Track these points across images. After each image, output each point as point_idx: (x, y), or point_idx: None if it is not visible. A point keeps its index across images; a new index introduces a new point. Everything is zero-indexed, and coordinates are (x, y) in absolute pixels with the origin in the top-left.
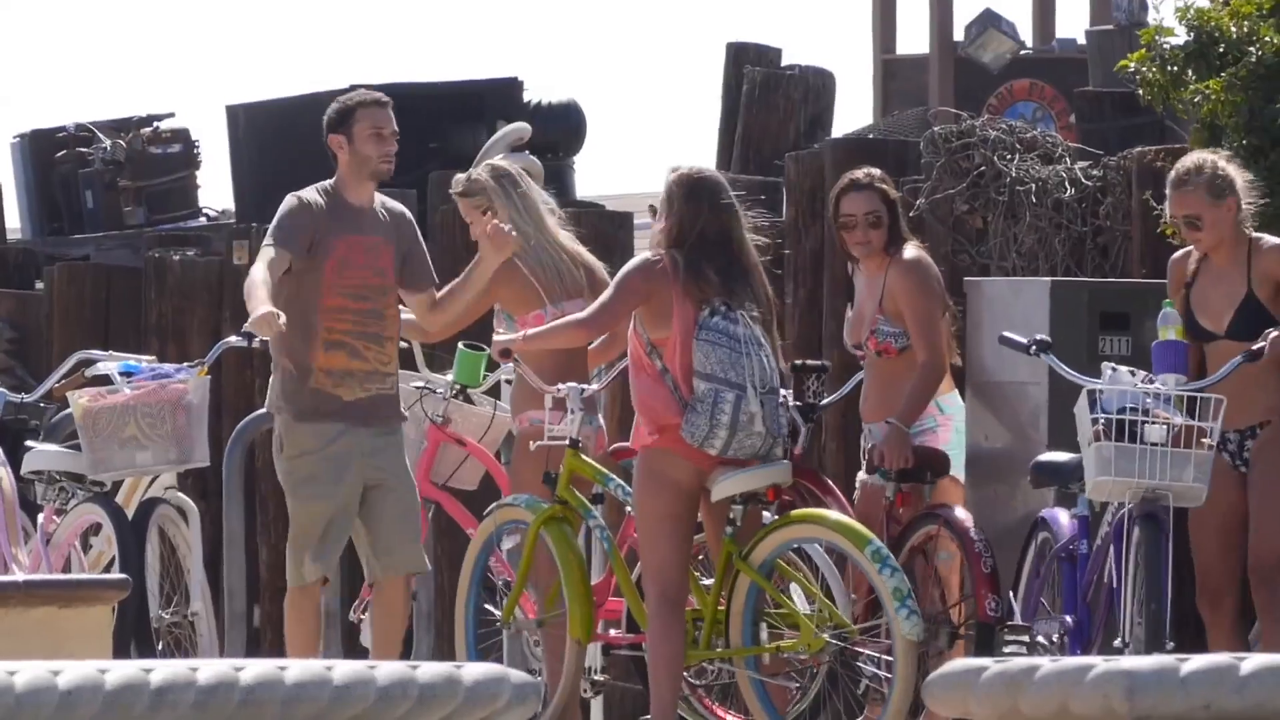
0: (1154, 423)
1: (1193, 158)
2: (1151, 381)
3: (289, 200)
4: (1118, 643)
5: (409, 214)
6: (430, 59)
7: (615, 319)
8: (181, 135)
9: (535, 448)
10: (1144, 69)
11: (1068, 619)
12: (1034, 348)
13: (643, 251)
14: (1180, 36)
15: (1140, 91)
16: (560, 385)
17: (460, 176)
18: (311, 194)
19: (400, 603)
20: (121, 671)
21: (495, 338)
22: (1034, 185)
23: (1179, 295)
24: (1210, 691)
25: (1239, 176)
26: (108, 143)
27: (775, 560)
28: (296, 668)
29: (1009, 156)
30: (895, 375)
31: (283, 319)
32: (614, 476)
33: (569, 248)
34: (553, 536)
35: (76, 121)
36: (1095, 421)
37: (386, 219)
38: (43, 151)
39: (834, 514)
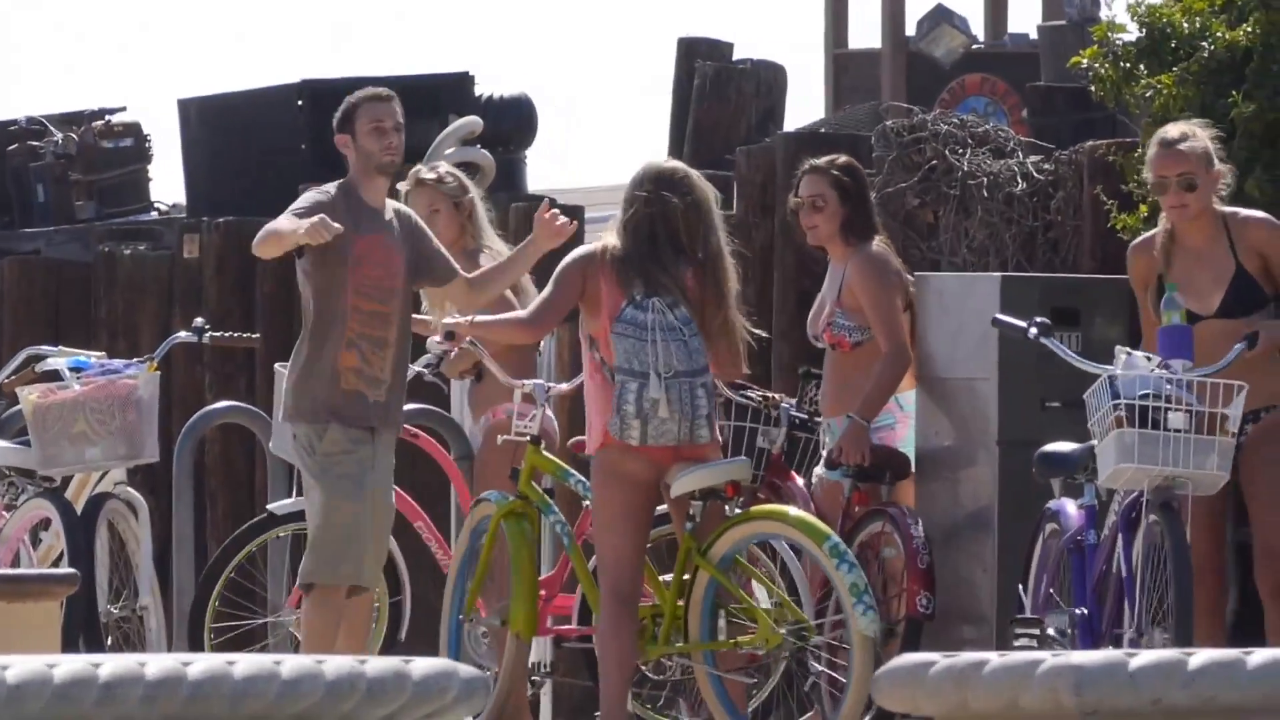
0: (1176, 409)
1: (1180, 124)
2: (1167, 367)
3: (310, 193)
4: (1131, 633)
5: (414, 214)
6: (382, 53)
7: (559, 314)
8: (133, 129)
9: (503, 442)
10: (1096, 65)
11: (1078, 611)
12: (1033, 330)
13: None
14: (1132, 32)
15: (1093, 87)
16: (526, 381)
17: (424, 167)
18: (331, 189)
19: (365, 618)
20: (70, 666)
21: (444, 319)
22: (985, 180)
23: (1151, 283)
24: (1159, 686)
25: (1218, 151)
26: (59, 136)
27: (735, 556)
28: (244, 663)
29: (960, 151)
30: (851, 369)
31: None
32: (573, 471)
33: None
34: (509, 531)
35: (27, 114)
36: (1116, 408)
37: (396, 220)
38: None
39: (793, 510)
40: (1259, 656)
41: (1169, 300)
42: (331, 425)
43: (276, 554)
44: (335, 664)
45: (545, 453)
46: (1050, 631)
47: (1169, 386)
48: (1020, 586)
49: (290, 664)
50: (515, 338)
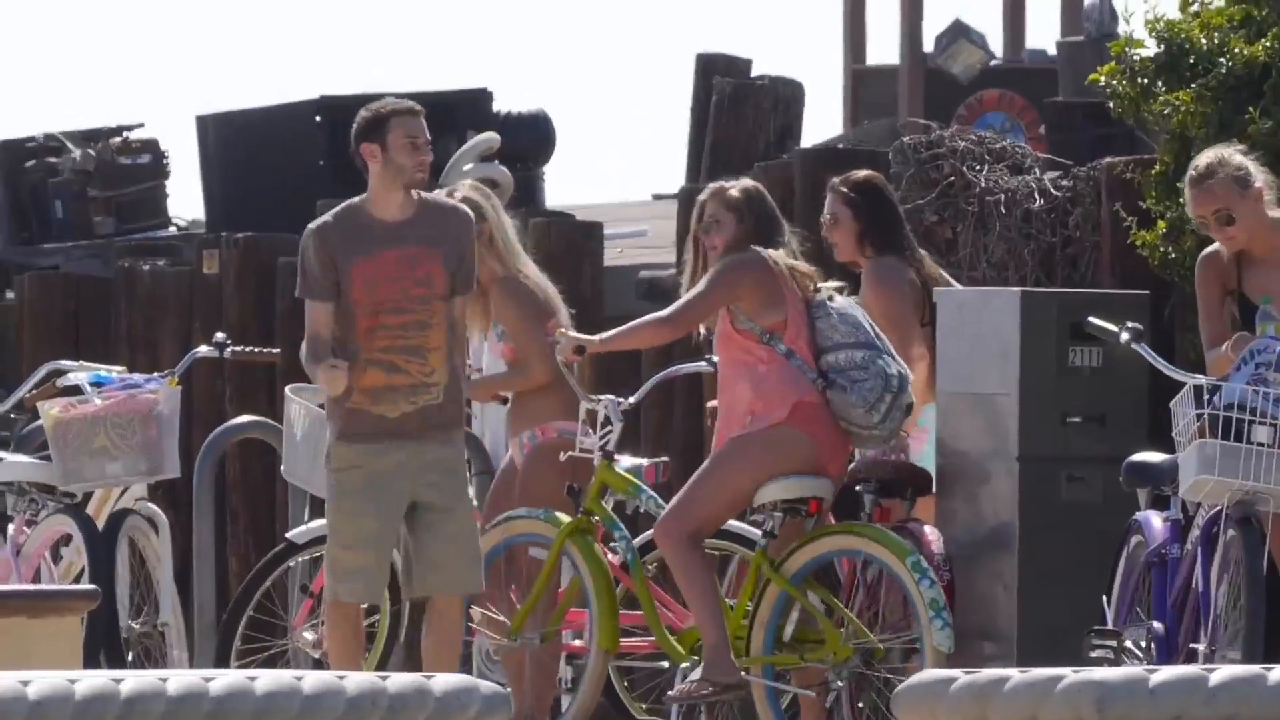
0: (1261, 423)
1: (1207, 155)
2: (1263, 380)
3: (305, 240)
4: (1204, 648)
5: (464, 210)
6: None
7: (703, 316)
8: (151, 145)
9: (566, 458)
10: (1114, 81)
11: (1155, 625)
12: (1125, 335)
13: (737, 254)
14: (1150, 48)
15: (1110, 103)
16: (601, 396)
17: (440, 193)
18: (327, 224)
19: (452, 624)
20: (91, 682)
21: (566, 334)
22: (1003, 196)
23: (1226, 294)
24: (1179, 702)
25: (1254, 165)
26: (77, 152)
27: (808, 573)
28: (266, 678)
29: (978, 167)
30: None
31: (343, 366)
32: (645, 487)
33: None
34: (582, 551)
35: (46, 131)
36: (1200, 418)
37: (432, 222)
38: (12, 161)
39: (873, 526)
40: (1278, 673)
41: (1264, 313)
42: (339, 443)
43: (294, 579)
44: (357, 680)
45: (618, 469)
46: (1128, 644)
47: (1256, 399)
48: (1104, 598)
49: (312, 680)
50: (654, 340)
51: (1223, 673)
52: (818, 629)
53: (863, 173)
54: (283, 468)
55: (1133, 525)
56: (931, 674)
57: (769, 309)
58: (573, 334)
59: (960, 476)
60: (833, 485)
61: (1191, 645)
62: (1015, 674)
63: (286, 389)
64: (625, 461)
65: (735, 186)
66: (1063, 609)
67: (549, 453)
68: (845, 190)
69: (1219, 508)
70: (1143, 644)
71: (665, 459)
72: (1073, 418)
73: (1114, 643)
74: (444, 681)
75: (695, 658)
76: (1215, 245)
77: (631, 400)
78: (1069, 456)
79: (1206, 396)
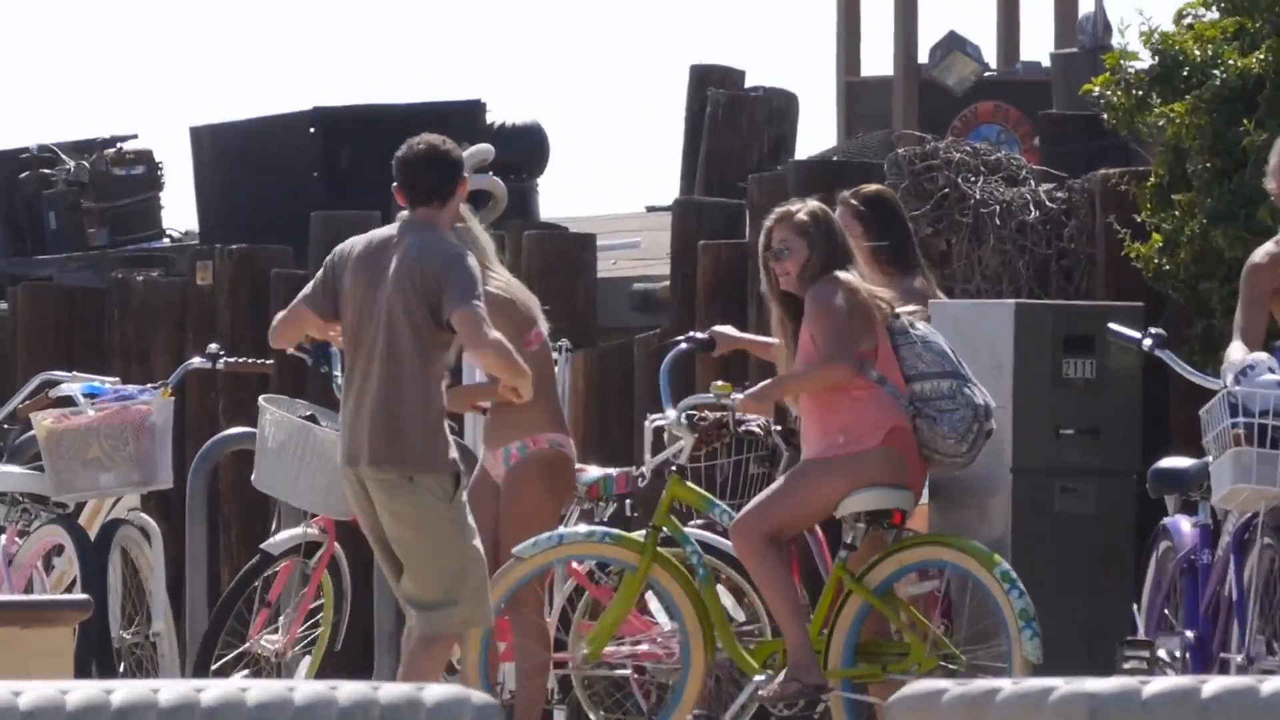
0: None
1: None
2: None
3: (472, 259)
4: (1240, 658)
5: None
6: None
7: (857, 343)
8: (145, 156)
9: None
10: (1108, 93)
11: (1189, 634)
12: (1148, 341)
13: (824, 281)
14: (1144, 60)
15: (1105, 115)
16: (668, 413)
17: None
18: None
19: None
20: (83, 692)
21: (736, 396)
22: (998, 207)
23: (1273, 293)
24: (1172, 715)
25: None
26: (71, 164)
27: (891, 584)
28: (258, 689)
29: (973, 179)
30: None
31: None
32: (718, 501)
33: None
34: (677, 577)
35: (39, 142)
36: (1235, 425)
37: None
38: (6, 172)
39: (960, 536)
40: (1272, 684)
41: None
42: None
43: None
44: (349, 690)
45: (689, 484)
46: (1161, 654)
47: None
48: (1134, 607)
49: (303, 690)
50: (837, 382)
51: (1215, 684)
52: (896, 640)
53: (874, 186)
54: (254, 476)
55: (1161, 531)
56: (924, 685)
57: (862, 336)
58: (749, 394)
59: (955, 488)
60: (915, 500)
61: (1223, 655)
62: (1007, 685)
63: (260, 399)
64: (593, 471)
65: (803, 209)
66: (1056, 620)
67: (540, 464)
68: (856, 204)
69: (1249, 515)
70: (1176, 653)
71: (636, 469)
72: (1066, 430)
73: (1146, 653)
74: (436, 692)
75: (769, 670)
76: (1262, 250)
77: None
78: (1062, 468)
79: (1240, 404)
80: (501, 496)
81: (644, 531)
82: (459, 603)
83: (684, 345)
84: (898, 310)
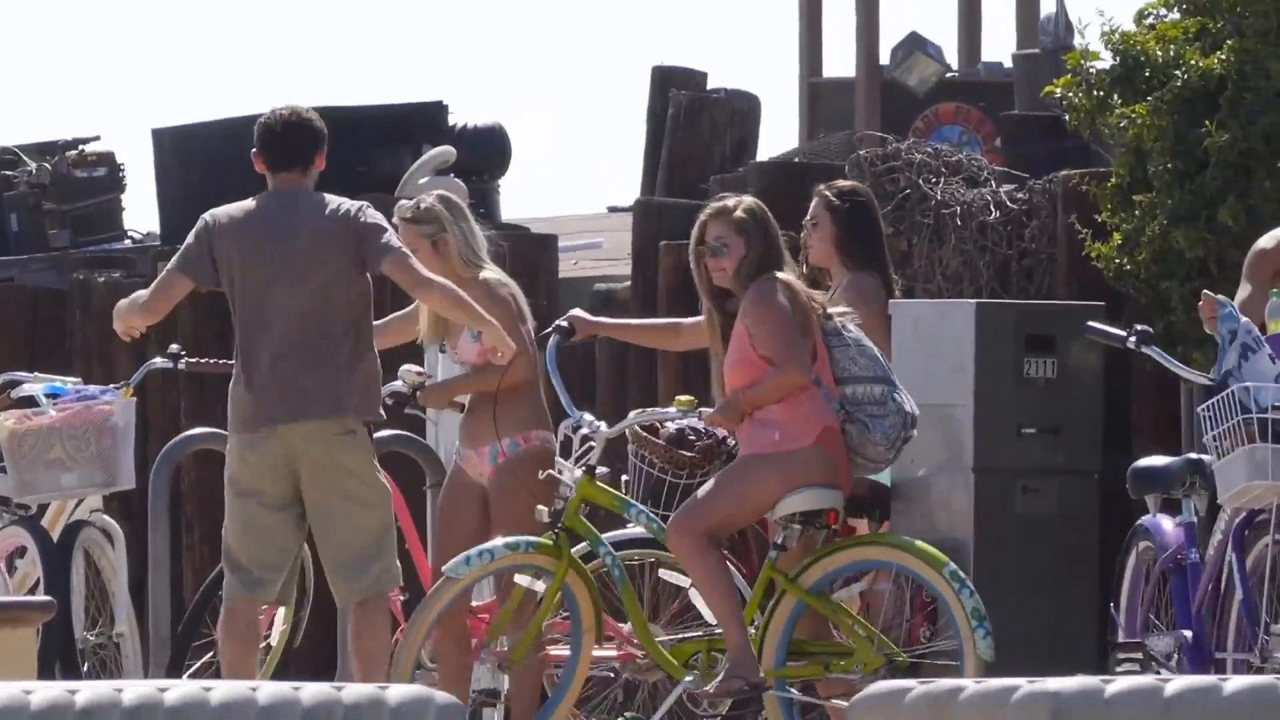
0: None
1: None
2: None
3: (374, 209)
4: (1254, 658)
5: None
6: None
7: (805, 349)
8: (106, 158)
9: (546, 476)
10: (1070, 93)
11: (1184, 634)
12: (1133, 339)
13: (764, 281)
14: (1106, 61)
15: (1066, 116)
16: (581, 414)
17: (407, 203)
18: None
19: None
20: (47, 693)
21: (715, 410)
22: (959, 208)
23: (1273, 280)
24: (1135, 714)
25: None
26: (32, 165)
27: (826, 585)
28: (221, 689)
29: (934, 180)
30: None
31: None
32: (634, 502)
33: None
34: (585, 583)
35: (1, 144)
36: (1248, 423)
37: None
38: None
39: (902, 538)
40: (1235, 683)
41: (1272, 307)
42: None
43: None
44: (312, 690)
45: (602, 485)
46: (1155, 655)
47: None
48: (1111, 606)
49: (267, 690)
50: (791, 390)
51: (1178, 683)
52: (834, 640)
53: (850, 182)
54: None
55: (1139, 531)
56: (887, 684)
57: (802, 337)
58: (717, 410)
59: (916, 488)
60: (844, 500)
61: (1221, 654)
62: (970, 684)
63: None
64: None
65: (740, 205)
66: (1018, 620)
67: (534, 461)
68: (829, 195)
69: (1247, 511)
70: (1171, 653)
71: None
72: (1028, 429)
73: (1139, 654)
74: (399, 692)
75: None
76: (1275, 233)
77: (612, 432)
78: (1024, 468)
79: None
80: (493, 495)
81: (552, 535)
82: (384, 554)
83: (553, 336)
84: (829, 311)
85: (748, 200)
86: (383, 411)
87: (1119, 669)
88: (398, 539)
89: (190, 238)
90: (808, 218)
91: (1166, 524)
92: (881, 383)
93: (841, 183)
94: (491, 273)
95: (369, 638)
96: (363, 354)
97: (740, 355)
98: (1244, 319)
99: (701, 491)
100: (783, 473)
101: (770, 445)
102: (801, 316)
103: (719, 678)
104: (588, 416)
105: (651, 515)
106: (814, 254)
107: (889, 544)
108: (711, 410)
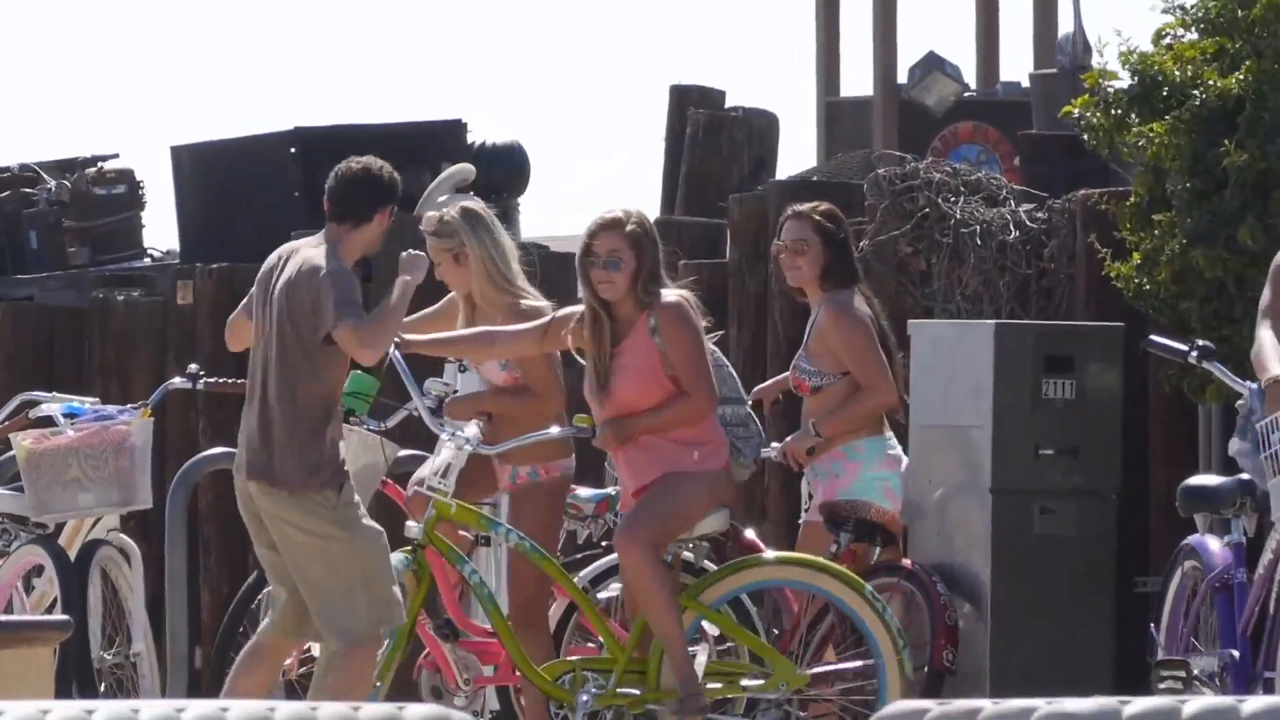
0: None
1: None
2: None
3: (349, 273)
4: None
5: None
6: (374, 101)
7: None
8: (126, 176)
9: (413, 494)
10: (1088, 113)
11: (1229, 653)
12: (1194, 354)
13: (677, 306)
14: (1124, 80)
15: (1085, 135)
16: (455, 431)
17: (431, 215)
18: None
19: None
20: (64, 712)
21: (613, 432)
22: (978, 228)
23: None
24: None
25: None
26: (52, 183)
27: (725, 603)
28: (238, 709)
29: (953, 199)
30: (813, 415)
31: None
32: (499, 521)
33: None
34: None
35: (20, 161)
36: None
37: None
38: None
39: (817, 558)
40: (1253, 704)
41: None
42: (346, 478)
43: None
44: (329, 710)
45: (463, 503)
46: (1197, 674)
47: None
48: (1152, 626)
49: (284, 710)
50: (698, 418)
51: (1196, 704)
52: (734, 659)
53: (825, 204)
54: None
55: (1184, 550)
56: (904, 705)
57: None
58: (612, 432)
59: (933, 509)
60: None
61: (1269, 674)
62: (988, 705)
63: None
64: (587, 490)
65: (630, 219)
66: (1035, 641)
67: (550, 492)
68: (818, 218)
69: None
70: (1215, 673)
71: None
72: (1046, 450)
73: (1182, 673)
74: (416, 712)
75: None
76: None
77: (493, 450)
78: (1042, 489)
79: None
80: (507, 516)
81: (408, 550)
82: (362, 606)
83: (391, 349)
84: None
85: (636, 212)
86: (336, 470)
87: (1161, 686)
88: None
89: None
90: (789, 240)
91: (1213, 544)
92: (742, 403)
93: (819, 204)
94: (532, 300)
95: (325, 688)
96: (307, 416)
97: (647, 373)
98: None
99: (641, 506)
100: (707, 491)
101: (693, 464)
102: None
103: (680, 707)
104: (470, 430)
105: (521, 535)
106: (800, 276)
107: (801, 564)
108: (606, 429)
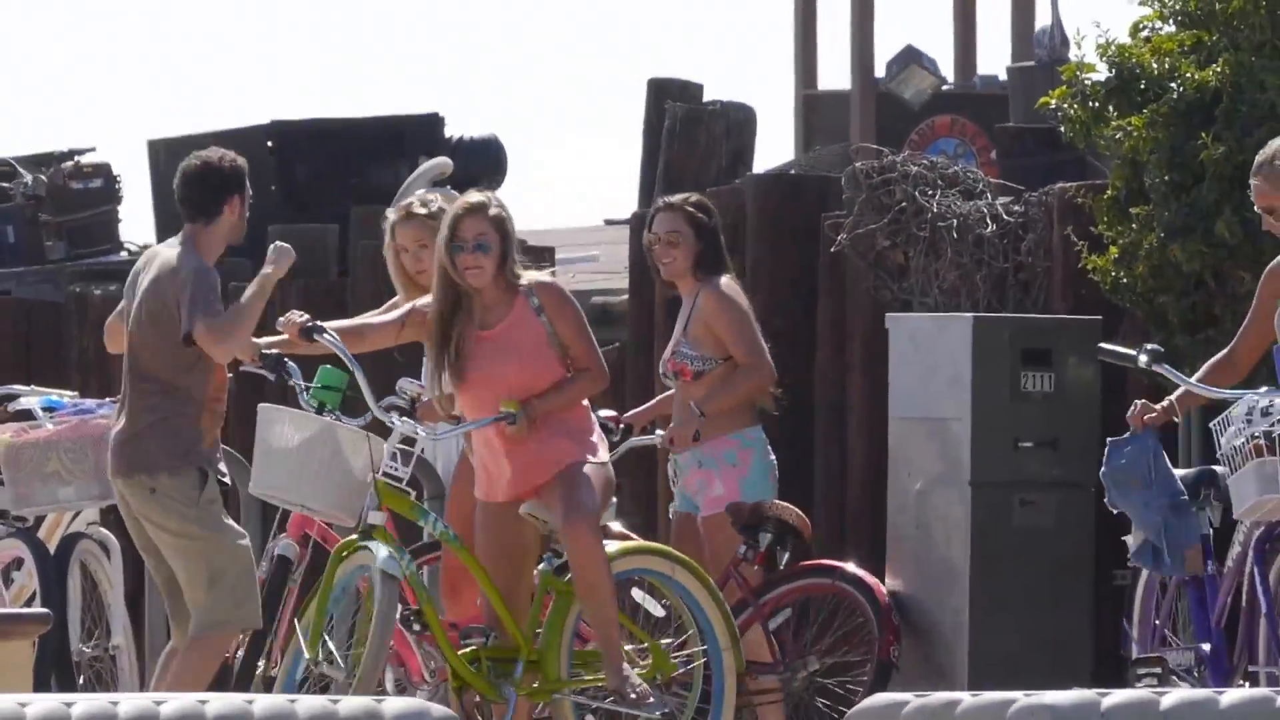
0: None
1: (1271, 145)
2: None
3: (213, 271)
4: (1277, 669)
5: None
6: (351, 94)
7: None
8: (103, 170)
9: (373, 480)
10: (1065, 106)
11: (1204, 647)
12: (1144, 358)
13: (556, 288)
14: (1101, 73)
15: (1062, 128)
16: (408, 421)
17: (430, 196)
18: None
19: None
20: (43, 704)
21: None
22: (955, 221)
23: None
24: None
25: None
26: (29, 177)
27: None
28: (217, 702)
29: (930, 192)
30: (694, 398)
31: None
32: (430, 511)
33: None
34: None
35: None
36: (1255, 437)
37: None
38: None
39: (668, 548)
40: (1231, 696)
41: None
42: (207, 473)
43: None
44: (308, 703)
45: (398, 492)
46: (1174, 669)
47: None
48: (1124, 621)
49: (263, 704)
50: (593, 391)
51: (1174, 696)
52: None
53: (696, 195)
54: (250, 485)
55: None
56: (883, 697)
57: None
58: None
59: (912, 502)
60: None
61: (1251, 667)
62: (967, 697)
63: (260, 405)
64: None
65: (493, 202)
66: (1015, 633)
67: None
68: (691, 210)
69: (1268, 524)
70: (1191, 668)
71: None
72: (1025, 442)
73: (1159, 669)
74: (395, 705)
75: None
76: None
77: (440, 435)
78: (1021, 481)
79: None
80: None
81: (346, 543)
82: (219, 602)
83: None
84: None
85: (496, 197)
86: (201, 462)
87: (1138, 684)
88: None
89: None
90: (663, 232)
91: None
92: None
93: (690, 196)
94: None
95: (177, 671)
96: (169, 413)
97: (538, 351)
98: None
99: (579, 492)
100: (607, 482)
101: (594, 453)
102: None
103: (630, 696)
104: (399, 423)
105: (445, 525)
106: (673, 269)
107: (658, 554)
108: (524, 418)
